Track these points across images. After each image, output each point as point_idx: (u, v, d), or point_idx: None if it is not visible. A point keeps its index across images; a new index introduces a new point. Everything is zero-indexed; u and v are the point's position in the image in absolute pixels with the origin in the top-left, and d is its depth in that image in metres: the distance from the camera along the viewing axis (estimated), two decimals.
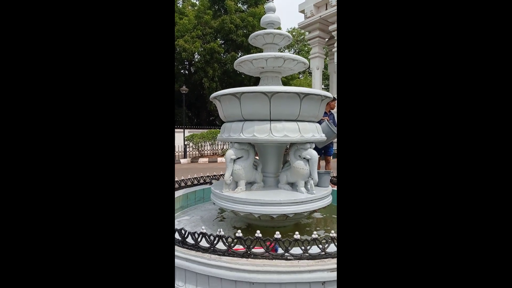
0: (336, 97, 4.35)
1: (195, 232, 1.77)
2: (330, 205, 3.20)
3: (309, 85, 14.31)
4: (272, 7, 2.92)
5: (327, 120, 3.69)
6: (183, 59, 14.13)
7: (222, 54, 15.01)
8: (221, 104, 2.68)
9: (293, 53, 23.21)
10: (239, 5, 14.78)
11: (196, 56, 15.72)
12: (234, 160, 2.55)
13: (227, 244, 1.68)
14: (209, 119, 18.76)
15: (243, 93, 2.39)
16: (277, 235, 1.67)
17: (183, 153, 10.92)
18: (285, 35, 2.83)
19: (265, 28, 2.92)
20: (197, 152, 11.71)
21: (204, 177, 4.13)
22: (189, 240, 1.79)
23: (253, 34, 2.89)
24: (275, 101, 2.36)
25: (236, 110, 2.51)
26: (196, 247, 1.74)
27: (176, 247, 1.79)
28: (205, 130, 12.17)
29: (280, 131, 2.40)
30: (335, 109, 4.46)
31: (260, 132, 2.41)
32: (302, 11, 12.84)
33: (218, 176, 4.20)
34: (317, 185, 2.83)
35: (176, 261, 1.75)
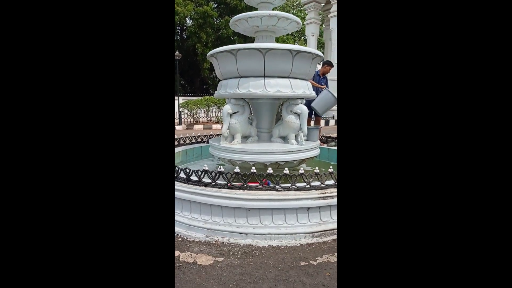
0: (331, 63, 4.50)
1: (198, 170, 2.03)
2: (317, 160, 3.51)
3: None
4: None
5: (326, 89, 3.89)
6: (175, 23, 13.67)
7: (215, 19, 14.55)
8: (218, 61, 2.82)
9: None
10: None
11: (188, 21, 15.20)
12: (231, 115, 2.77)
13: (226, 178, 1.95)
14: (203, 87, 18.58)
15: (239, 49, 2.54)
16: (269, 170, 1.94)
17: (178, 120, 11.04)
18: None
19: None
20: (192, 119, 11.83)
21: (202, 136, 4.37)
22: (193, 177, 2.05)
23: None
24: (269, 58, 2.53)
25: (232, 67, 2.67)
26: (199, 182, 2.01)
27: (182, 183, 2.05)
28: (200, 98, 12.18)
29: (274, 87, 2.60)
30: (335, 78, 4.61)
31: (255, 87, 2.60)
32: None
33: (214, 135, 4.43)
34: (307, 139, 3.09)
35: (182, 194, 2.02)
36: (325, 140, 4.23)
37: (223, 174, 1.96)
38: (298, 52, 2.56)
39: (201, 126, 10.89)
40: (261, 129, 3.12)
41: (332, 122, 10.60)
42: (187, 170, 2.07)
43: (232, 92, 2.68)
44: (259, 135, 3.10)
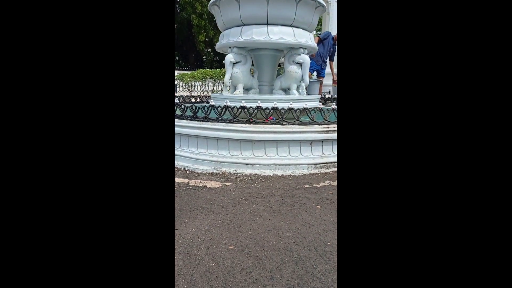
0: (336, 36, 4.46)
1: (205, 106, 2.08)
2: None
3: None
4: None
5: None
6: None
7: None
8: (220, 9, 2.79)
9: None
10: None
11: None
12: (233, 64, 2.78)
13: (232, 113, 2.00)
14: (197, 62, 18.22)
15: None
16: (274, 104, 2.00)
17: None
18: None
19: None
20: (187, 93, 11.71)
21: (201, 97, 4.37)
22: (199, 114, 2.10)
23: None
24: (273, 4, 2.51)
25: (235, 14, 2.65)
26: (206, 118, 2.05)
27: (188, 120, 2.10)
28: (195, 71, 12.00)
29: (277, 34, 2.60)
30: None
31: (258, 34, 2.60)
32: None
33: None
34: (308, 93, 3.14)
35: (189, 131, 2.08)
36: (323, 102, 4.28)
37: (229, 109, 2.01)
38: None
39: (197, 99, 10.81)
40: (262, 82, 3.15)
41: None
42: (194, 107, 2.11)
43: (235, 40, 2.67)
44: (261, 88, 3.13)
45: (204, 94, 12.05)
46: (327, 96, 4.81)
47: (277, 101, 2.67)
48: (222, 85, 10.63)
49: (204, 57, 17.50)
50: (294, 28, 2.70)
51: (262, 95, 2.88)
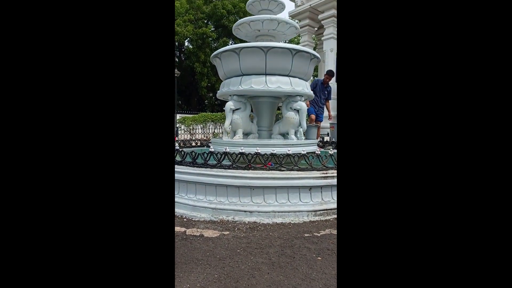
0: (333, 72, 4.75)
1: (204, 153, 2.11)
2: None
3: None
4: None
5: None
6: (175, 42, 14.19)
7: (213, 40, 15.15)
8: (222, 61, 2.99)
9: (284, 42, 23.47)
10: None
11: (186, 43, 15.79)
12: (233, 111, 2.88)
13: (232, 159, 2.02)
14: (199, 106, 18.87)
15: (242, 48, 2.71)
16: (273, 150, 2.03)
17: (175, 136, 11.14)
18: (279, 1, 3.15)
19: None
20: (189, 135, 11.92)
21: (201, 140, 4.45)
22: (199, 160, 2.12)
23: (250, 0, 3.20)
24: (271, 56, 2.70)
25: (235, 65, 2.83)
26: (205, 164, 2.07)
27: (187, 166, 2.11)
28: (197, 114, 12.38)
29: (275, 83, 2.75)
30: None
31: (257, 83, 2.74)
32: (293, 0, 13.09)
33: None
34: (306, 137, 3.21)
35: (188, 177, 2.08)
36: (321, 145, 4.35)
37: (229, 155, 2.03)
38: (298, 51, 2.75)
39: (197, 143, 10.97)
40: (261, 127, 3.24)
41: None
42: (193, 153, 2.14)
43: (235, 88, 2.81)
44: (259, 133, 3.21)
45: (205, 138, 12.28)
46: (325, 138, 4.89)
47: (276, 146, 2.72)
48: (222, 127, 10.92)
49: (206, 101, 18.19)
50: (291, 78, 2.85)
51: (261, 140, 2.94)
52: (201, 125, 12.02)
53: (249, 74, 2.81)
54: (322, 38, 12.57)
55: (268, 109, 3.22)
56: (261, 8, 3.21)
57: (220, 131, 12.17)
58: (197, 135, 12.33)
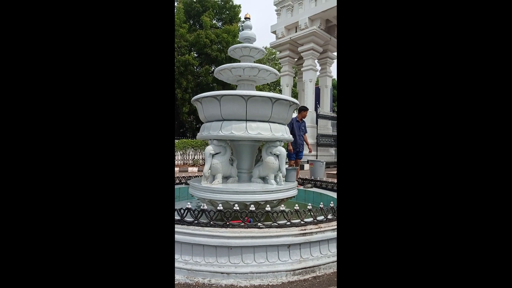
0: (307, 108, 4.92)
1: (181, 208, 2.04)
2: (294, 201, 3.61)
3: None
4: (249, 25, 3.37)
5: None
6: None
7: (196, 67, 15.36)
8: (202, 105, 3.00)
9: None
10: (214, 21, 15.38)
11: None
12: (213, 155, 2.86)
13: (209, 216, 1.97)
14: (179, 131, 18.68)
15: (223, 95, 2.75)
16: (252, 207, 2.01)
17: None
18: (260, 49, 3.28)
19: (242, 42, 3.35)
20: None
21: (179, 178, 4.35)
22: (175, 216, 2.05)
23: (232, 46, 3.30)
24: (251, 104, 2.75)
25: (216, 111, 2.85)
26: (181, 221, 2.00)
27: None
28: (176, 140, 12.20)
29: (255, 130, 2.78)
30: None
31: (237, 130, 2.76)
32: (274, 32, 13.71)
33: (193, 176, 4.43)
34: (285, 180, 3.22)
35: None
36: (301, 182, 4.38)
37: (206, 212, 1.98)
38: (277, 99, 2.82)
39: (177, 169, 10.73)
40: (241, 169, 3.22)
41: (306, 166, 10.95)
42: None
43: (215, 134, 2.81)
44: (240, 175, 3.19)
45: (184, 163, 12.04)
46: (306, 177, 4.94)
47: (255, 193, 2.70)
48: (203, 153, 10.76)
49: (186, 125, 18.08)
50: (271, 124, 2.91)
51: (241, 185, 2.91)
52: (181, 152, 11.84)
53: (230, 119, 2.84)
54: (302, 69, 13.14)
55: (248, 152, 3.23)
56: (242, 54, 3.31)
57: (201, 157, 12.02)
58: (177, 161, 12.09)
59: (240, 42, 3.40)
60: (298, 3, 12.48)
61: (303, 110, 4.76)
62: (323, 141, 12.06)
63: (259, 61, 22.74)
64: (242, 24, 3.31)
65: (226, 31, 14.32)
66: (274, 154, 2.90)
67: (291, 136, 3.19)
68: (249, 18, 3.40)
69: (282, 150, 2.89)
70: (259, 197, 2.70)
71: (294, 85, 15.34)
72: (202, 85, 15.20)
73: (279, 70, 16.61)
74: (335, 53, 13.93)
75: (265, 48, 23.34)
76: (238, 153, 3.24)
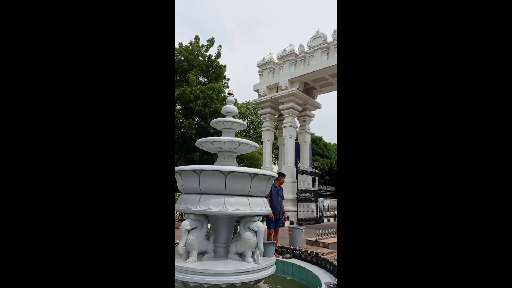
0: (285, 174, 5.01)
1: None
2: (273, 276, 3.45)
3: (261, 154, 15.34)
4: (232, 100, 3.59)
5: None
6: None
7: (180, 120, 15.64)
8: (182, 177, 3.00)
9: (248, 123, 25.12)
10: (200, 78, 16.22)
11: None
12: (189, 231, 2.77)
13: None
14: None
15: (203, 170, 2.78)
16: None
17: None
18: (241, 123, 3.44)
19: (225, 116, 3.52)
20: None
21: None
22: None
23: (215, 120, 3.45)
24: (230, 179, 2.78)
25: (195, 184, 2.85)
26: None
27: None
28: None
29: (233, 205, 2.77)
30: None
31: (215, 205, 2.74)
32: (257, 90, 14.58)
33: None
34: (263, 255, 3.12)
35: None
36: (280, 251, 4.25)
37: None
38: (256, 174, 2.88)
39: None
40: (218, 243, 3.11)
41: (286, 223, 10.74)
42: None
43: (192, 208, 2.77)
44: (216, 249, 3.06)
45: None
46: (285, 245, 4.82)
47: (232, 274, 2.58)
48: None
49: None
50: (249, 198, 2.91)
51: (217, 263, 2.78)
52: None
53: (208, 193, 2.83)
54: (282, 126, 13.74)
55: (226, 225, 3.16)
56: (224, 127, 3.45)
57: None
58: None
59: (223, 103, 3.56)
60: (279, 66, 13.59)
61: (280, 176, 4.84)
62: (303, 196, 12.08)
63: (240, 115, 23.62)
64: (227, 99, 3.53)
65: (211, 88, 15.07)
66: (252, 230, 2.85)
67: (269, 209, 3.19)
68: (232, 94, 3.63)
69: (260, 226, 2.86)
70: (235, 279, 2.57)
71: (275, 139, 15.83)
72: (185, 137, 15.33)
73: (261, 123, 17.24)
74: (313, 112, 14.83)
75: (248, 102, 24.52)
76: (216, 225, 3.16)
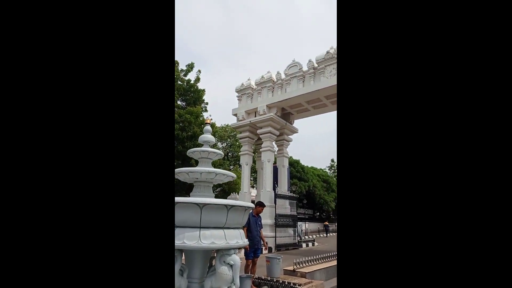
0: (264, 204, 4.98)
1: None
2: None
3: (239, 178, 15.23)
4: (209, 129, 3.61)
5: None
6: None
7: None
8: None
9: (226, 146, 25.02)
10: (179, 102, 16.19)
11: None
12: None
13: None
14: None
15: (177, 202, 2.72)
16: None
17: None
18: (217, 153, 3.45)
19: (202, 145, 3.52)
20: None
21: None
22: None
23: (191, 149, 3.44)
24: (206, 211, 2.74)
25: None
26: None
27: None
28: None
29: (208, 238, 2.70)
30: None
31: (190, 239, 2.66)
32: (235, 115, 14.75)
33: None
34: None
35: None
36: (257, 283, 4.14)
37: None
38: (232, 206, 2.86)
39: None
40: (192, 279, 2.98)
41: (265, 251, 10.52)
42: None
43: None
44: (190, 285, 2.93)
45: None
46: (262, 276, 4.71)
47: None
48: None
49: None
50: (225, 230, 2.87)
51: None
52: None
53: (183, 226, 2.75)
54: (261, 150, 13.86)
55: (201, 259, 3.06)
56: (201, 156, 3.44)
57: None
58: None
59: (201, 127, 3.56)
60: (257, 92, 13.94)
61: (259, 205, 4.81)
62: (282, 221, 11.99)
63: (218, 138, 23.55)
64: (204, 129, 3.55)
65: (189, 112, 15.02)
66: (228, 264, 2.78)
67: (246, 241, 3.14)
68: (209, 123, 3.66)
69: (236, 260, 2.80)
70: None
71: (254, 162, 15.86)
72: None
73: (239, 146, 17.24)
74: (291, 136, 15.16)
75: (227, 125, 24.62)
76: (190, 260, 3.05)
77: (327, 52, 11.62)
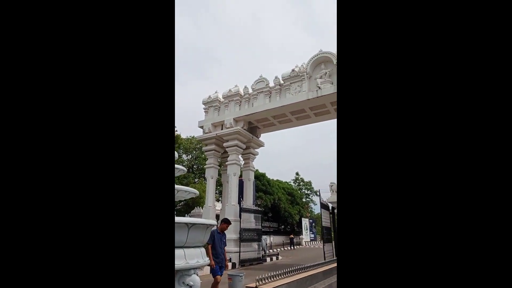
0: (229, 220, 4.89)
1: None
2: None
3: (204, 192, 14.89)
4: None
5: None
6: None
7: None
8: None
9: (191, 158, 24.44)
10: None
11: None
12: None
13: None
14: None
15: None
16: None
17: None
18: (180, 168, 3.38)
19: None
20: None
21: None
22: None
23: None
24: None
25: None
26: None
27: None
28: None
29: None
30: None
31: None
32: (201, 127, 14.57)
33: None
34: None
35: None
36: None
37: None
38: (194, 224, 2.80)
39: None
40: None
41: (230, 265, 10.30)
42: None
43: None
44: None
45: None
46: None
47: None
48: None
49: None
50: (185, 249, 2.78)
51: None
52: None
53: None
54: (227, 163, 13.78)
55: None
56: None
57: None
58: None
59: None
60: (224, 105, 13.98)
61: (224, 222, 4.73)
62: (246, 236, 11.89)
63: (184, 150, 22.97)
64: None
65: None
66: (187, 285, 2.69)
67: (207, 259, 3.07)
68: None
69: (196, 280, 2.71)
70: None
71: (219, 175, 15.66)
72: None
73: (205, 159, 16.92)
74: (257, 150, 15.32)
75: (193, 137, 24.18)
76: None
77: (293, 70, 12.12)
